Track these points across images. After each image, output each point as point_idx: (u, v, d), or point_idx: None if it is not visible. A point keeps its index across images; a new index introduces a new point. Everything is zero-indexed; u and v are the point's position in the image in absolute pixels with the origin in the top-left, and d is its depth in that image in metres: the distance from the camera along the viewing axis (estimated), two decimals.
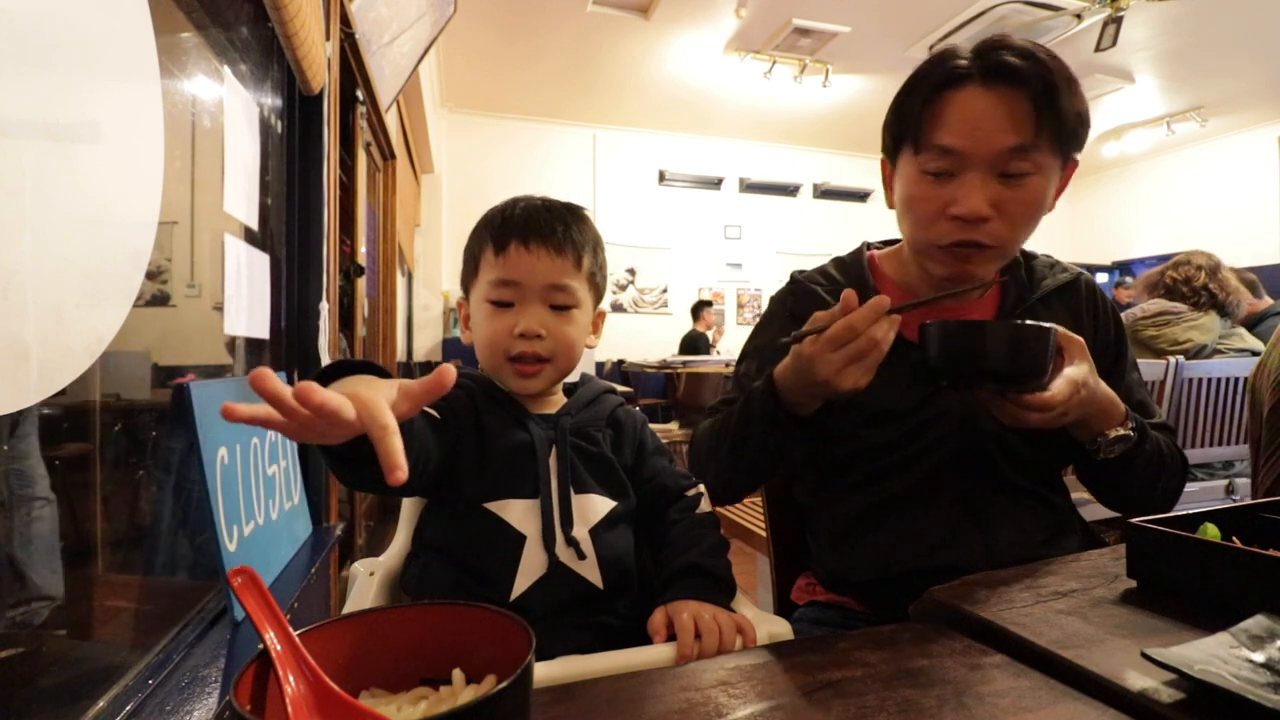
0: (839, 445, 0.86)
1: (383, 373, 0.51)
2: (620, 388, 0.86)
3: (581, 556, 0.69)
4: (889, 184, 0.88)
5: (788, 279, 0.98)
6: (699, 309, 6.12)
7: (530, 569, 0.67)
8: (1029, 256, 0.93)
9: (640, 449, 0.80)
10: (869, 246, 0.98)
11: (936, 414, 0.83)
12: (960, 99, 0.74)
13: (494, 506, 0.69)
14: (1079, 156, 0.79)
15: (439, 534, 0.71)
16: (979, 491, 0.82)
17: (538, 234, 0.71)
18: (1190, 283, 2.18)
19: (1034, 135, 0.72)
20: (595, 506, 0.72)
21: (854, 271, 0.93)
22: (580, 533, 0.70)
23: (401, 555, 0.77)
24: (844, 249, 1.02)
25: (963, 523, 0.80)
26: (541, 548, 0.68)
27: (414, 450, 0.58)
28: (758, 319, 0.99)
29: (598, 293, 0.78)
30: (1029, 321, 0.69)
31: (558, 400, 0.78)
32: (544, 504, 0.69)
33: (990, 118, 0.73)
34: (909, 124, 0.79)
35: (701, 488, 0.78)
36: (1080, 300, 0.89)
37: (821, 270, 0.96)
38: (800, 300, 0.92)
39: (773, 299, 0.97)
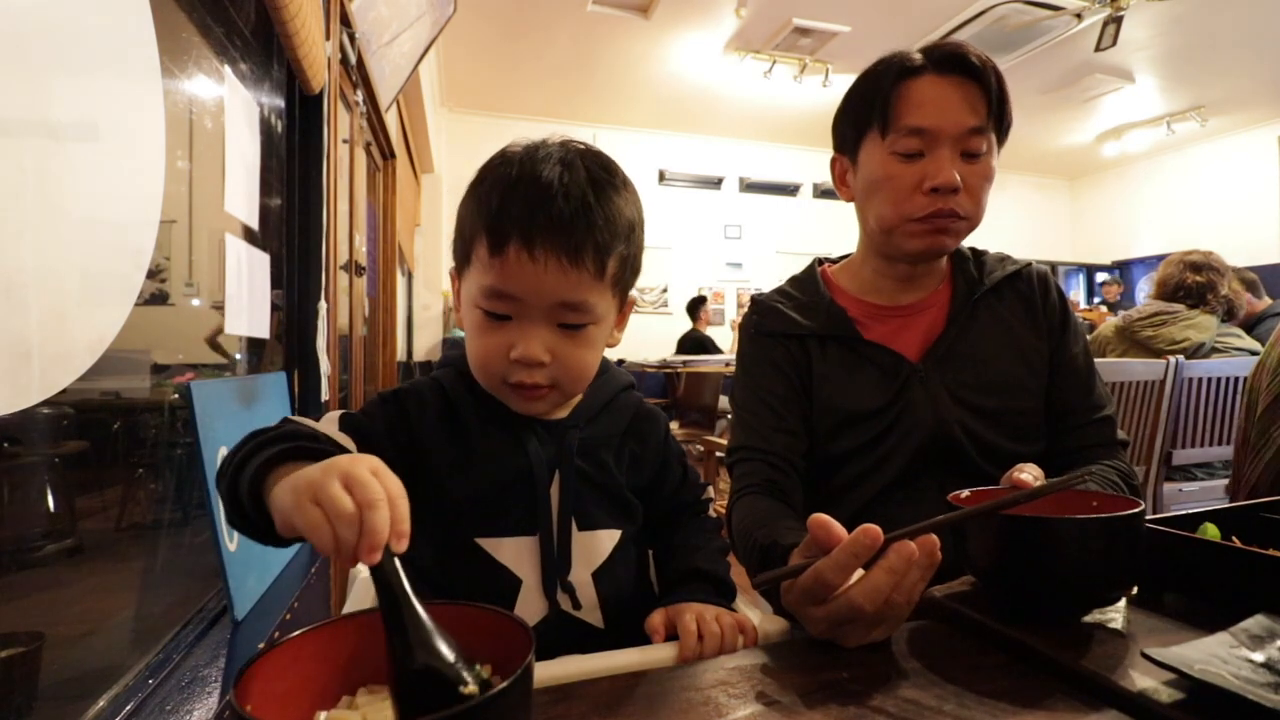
0: (816, 454, 0.88)
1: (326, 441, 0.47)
2: None
3: (577, 606, 0.62)
4: (843, 180, 0.93)
5: (749, 304, 1.01)
6: (696, 306, 5.84)
7: (526, 615, 0.60)
8: (979, 253, 0.97)
9: (665, 465, 0.73)
10: (820, 262, 1.01)
11: (905, 408, 0.85)
12: (920, 86, 0.82)
13: (486, 544, 0.61)
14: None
15: (426, 561, 0.63)
16: (957, 486, 0.81)
17: (547, 235, 0.54)
18: (1215, 289, 2.17)
19: (985, 117, 0.81)
20: (601, 543, 0.65)
21: (809, 288, 0.96)
22: (582, 576, 0.63)
23: None
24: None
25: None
26: (540, 594, 0.61)
27: None
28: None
29: (627, 288, 0.64)
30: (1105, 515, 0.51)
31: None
32: (544, 545, 0.61)
33: (951, 100, 0.81)
34: (875, 112, 0.83)
35: (711, 491, 0.77)
36: (1033, 288, 0.92)
37: (779, 290, 0.99)
38: (765, 317, 0.95)
39: (740, 328, 0.99)
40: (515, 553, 0.61)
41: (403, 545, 0.37)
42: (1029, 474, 0.64)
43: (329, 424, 0.57)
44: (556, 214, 0.54)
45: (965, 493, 0.61)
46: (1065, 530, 0.51)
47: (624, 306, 0.66)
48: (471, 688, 0.33)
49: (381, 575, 0.35)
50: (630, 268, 0.63)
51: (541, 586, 0.61)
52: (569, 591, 0.62)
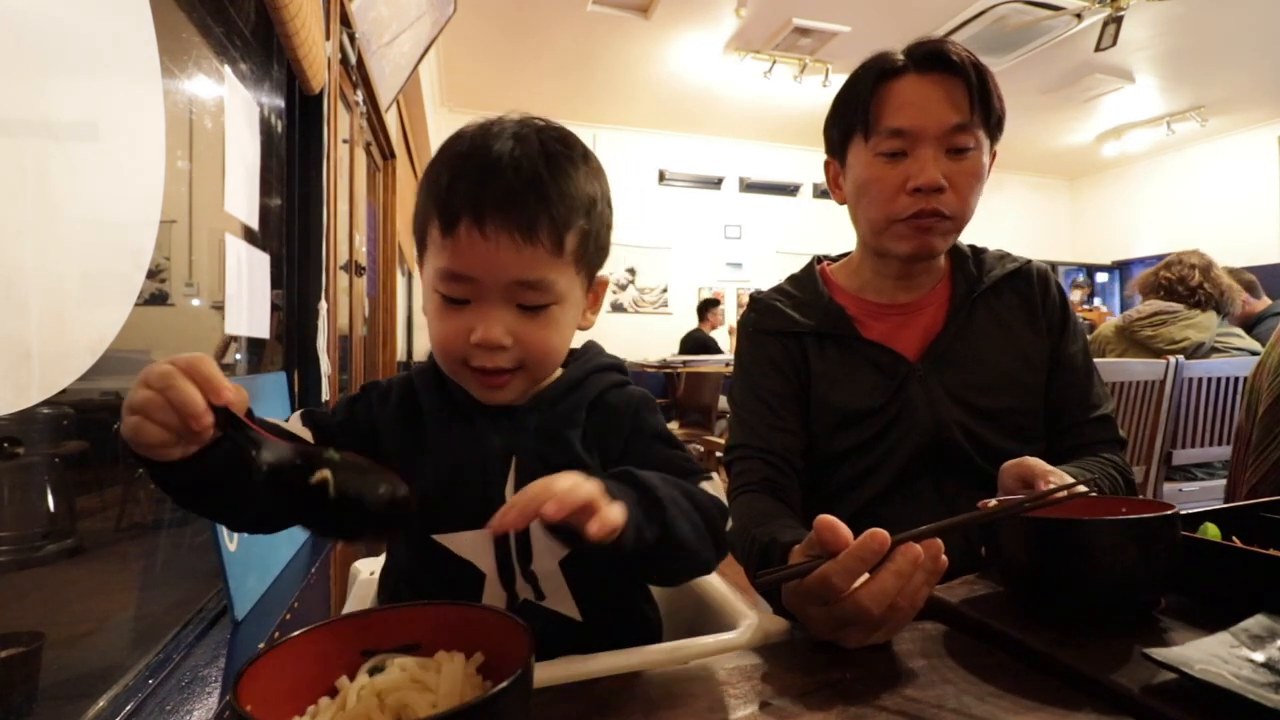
0: (814, 453, 0.88)
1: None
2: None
3: (540, 597, 0.58)
4: (835, 183, 0.94)
5: (748, 302, 1.01)
6: (705, 309, 5.90)
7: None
8: (978, 250, 0.97)
9: (634, 436, 0.63)
10: (819, 260, 1.02)
11: (903, 408, 0.85)
12: (901, 86, 0.82)
13: (444, 539, 0.57)
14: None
15: (402, 558, 0.62)
16: (955, 486, 0.83)
17: (498, 211, 0.51)
18: (1185, 282, 2.19)
19: (970, 114, 0.80)
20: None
21: (808, 286, 0.96)
22: (548, 565, 0.58)
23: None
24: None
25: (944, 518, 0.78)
26: (501, 586, 0.58)
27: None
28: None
29: (593, 267, 0.60)
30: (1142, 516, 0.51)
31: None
32: (498, 536, 0.57)
33: (932, 99, 0.81)
34: (857, 115, 0.84)
35: (716, 479, 0.69)
36: (1032, 286, 0.92)
37: (777, 288, 0.99)
38: (763, 314, 0.95)
39: (739, 325, 0.99)
40: (473, 546, 0.58)
41: (225, 396, 0.41)
42: (1035, 468, 0.64)
43: (294, 420, 0.57)
44: (506, 188, 0.51)
45: (993, 501, 0.59)
46: (1101, 531, 0.51)
47: (594, 286, 0.62)
48: (322, 473, 0.38)
49: (221, 427, 0.41)
50: (595, 244, 0.59)
51: (500, 578, 0.58)
52: (531, 581, 0.58)
